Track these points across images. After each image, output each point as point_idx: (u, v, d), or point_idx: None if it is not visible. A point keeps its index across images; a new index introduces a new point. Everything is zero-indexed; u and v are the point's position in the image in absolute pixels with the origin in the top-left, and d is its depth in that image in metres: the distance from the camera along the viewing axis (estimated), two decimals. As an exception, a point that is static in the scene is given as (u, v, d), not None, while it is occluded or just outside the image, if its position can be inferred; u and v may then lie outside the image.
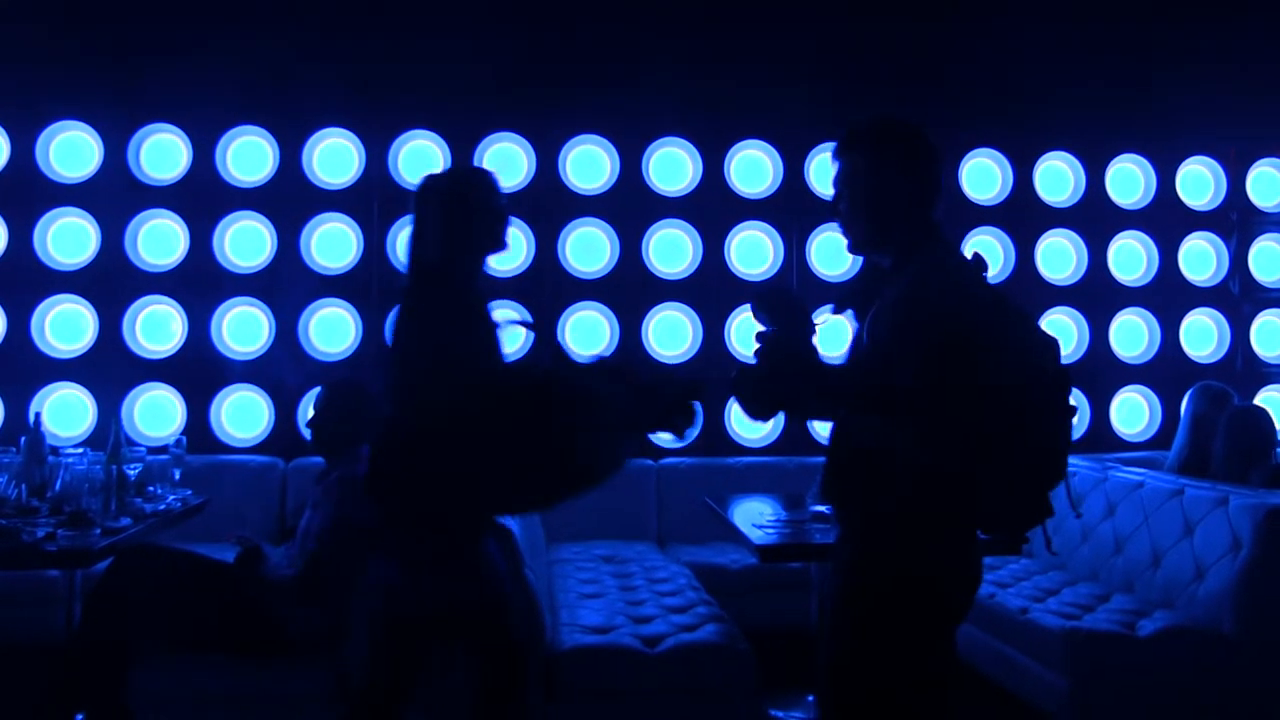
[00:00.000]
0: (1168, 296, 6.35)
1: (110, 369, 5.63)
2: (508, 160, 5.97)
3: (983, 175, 6.30)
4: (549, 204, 5.92)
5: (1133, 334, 6.36)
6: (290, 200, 5.81)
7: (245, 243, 5.80)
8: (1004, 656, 4.19)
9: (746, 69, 6.06)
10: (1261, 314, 6.44)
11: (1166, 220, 6.40)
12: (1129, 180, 6.44)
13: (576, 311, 5.89)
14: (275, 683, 3.51)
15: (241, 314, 5.78)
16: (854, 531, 2.47)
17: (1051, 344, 2.39)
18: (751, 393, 2.39)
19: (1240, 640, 3.75)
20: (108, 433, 4.12)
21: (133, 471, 3.99)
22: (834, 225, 5.83)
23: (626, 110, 6.02)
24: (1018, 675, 4.08)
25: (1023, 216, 6.26)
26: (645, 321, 5.93)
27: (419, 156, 5.94)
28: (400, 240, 5.84)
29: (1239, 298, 6.43)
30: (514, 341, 2.38)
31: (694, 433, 3.00)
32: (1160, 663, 3.75)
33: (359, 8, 5.93)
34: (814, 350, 2.44)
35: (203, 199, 5.76)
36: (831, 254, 6.13)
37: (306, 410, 5.44)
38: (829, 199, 2.60)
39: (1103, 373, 6.26)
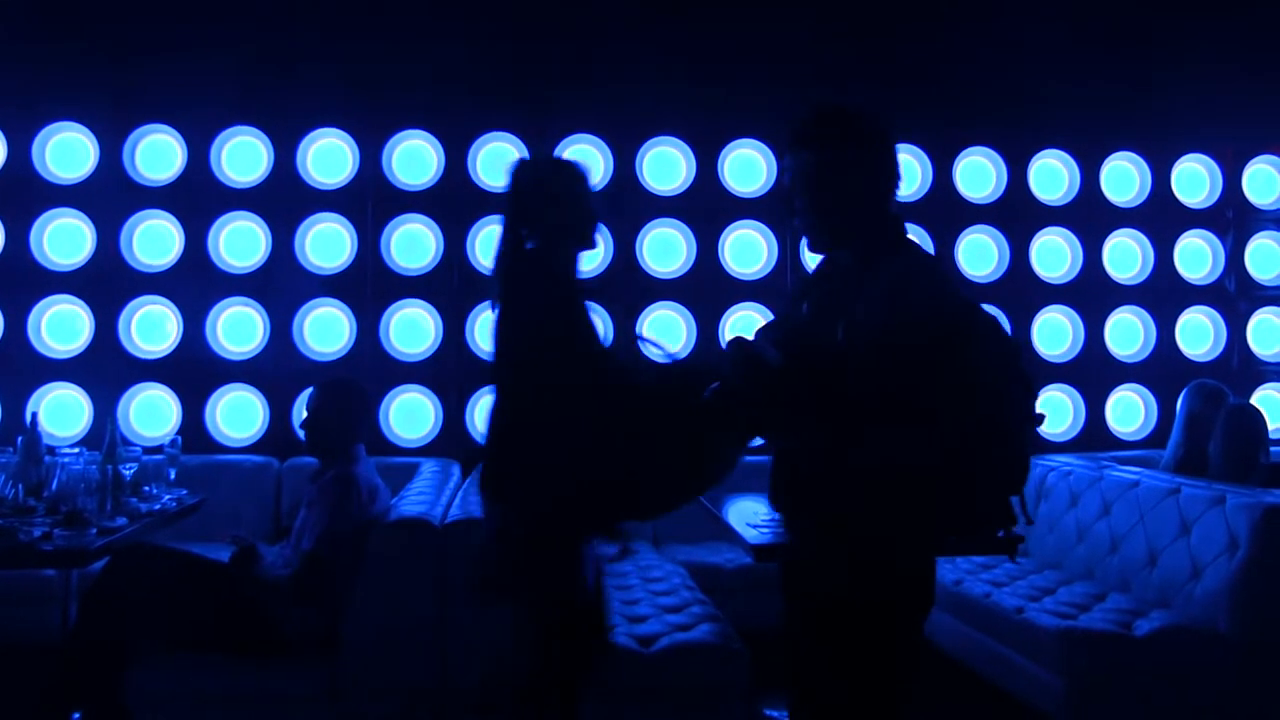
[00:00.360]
0: (1163, 295, 6.35)
1: (106, 369, 5.62)
2: (501, 160, 5.95)
3: (977, 173, 6.31)
4: (544, 203, 5.90)
5: (1128, 332, 6.36)
6: (285, 200, 5.80)
7: (240, 243, 5.80)
8: (999, 656, 4.19)
9: (740, 68, 6.06)
10: (1258, 312, 6.45)
11: (1162, 218, 6.40)
12: (1124, 178, 6.44)
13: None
14: (271, 682, 3.51)
15: (236, 314, 5.77)
16: (810, 540, 2.42)
17: (1017, 348, 2.35)
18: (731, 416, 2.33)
19: (1237, 640, 3.74)
20: (104, 432, 4.11)
21: (128, 471, 3.99)
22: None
23: (620, 109, 6.02)
24: (1013, 675, 4.08)
25: (1017, 215, 6.27)
26: (639, 321, 5.93)
27: (413, 156, 5.94)
28: (396, 240, 5.84)
29: (1235, 296, 6.44)
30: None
31: None
32: (1157, 662, 3.75)
33: (353, 8, 5.93)
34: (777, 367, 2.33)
35: (198, 199, 5.75)
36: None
37: (300, 410, 5.45)
38: (795, 199, 2.49)
39: (1098, 371, 6.27)
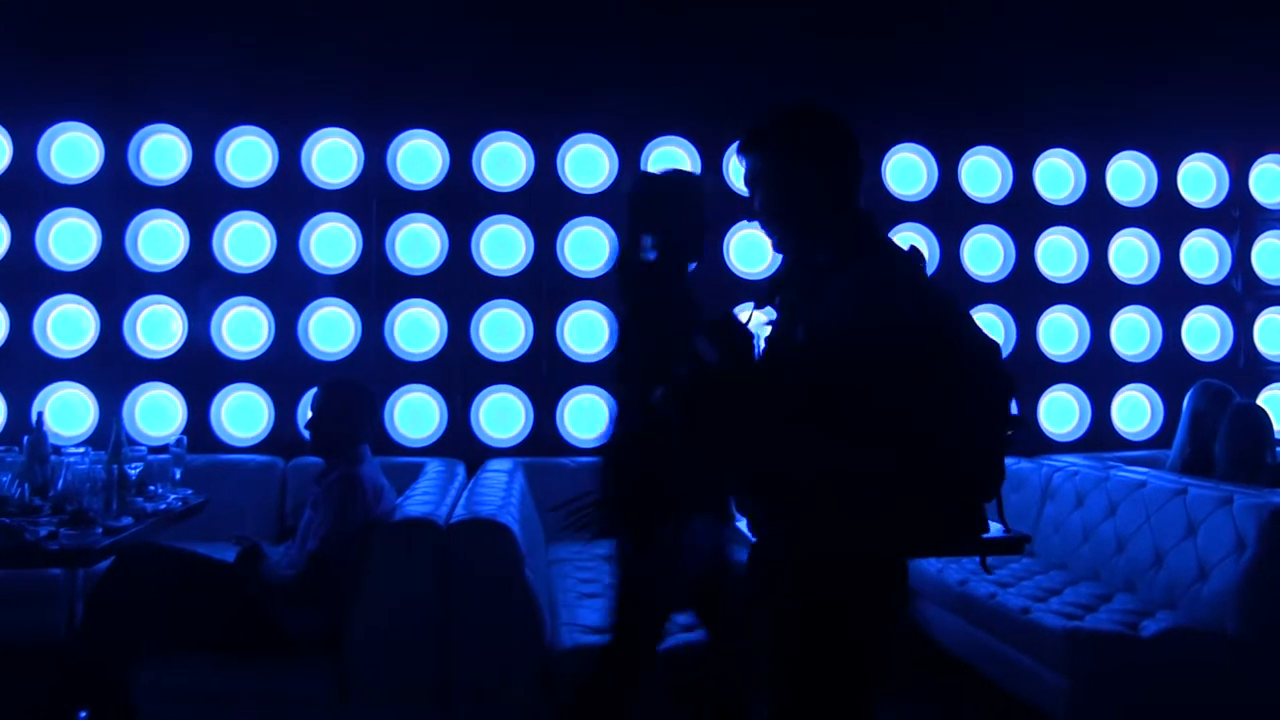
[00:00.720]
0: (1169, 294, 6.34)
1: (111, 368, 5.63)
2: (506, 160, 5.96)
3: (982, 173, 6.29)
4: (547, 203, 5.91)
5: (1134, 332, 6.35)
6: (289, 200, 5.80)
7: (245, 243, 5.80)
8: (1005, 657, 4.18)
9: (744, 67, 6.04)
10: (1264, 312, 6.43)
11: (1168, 218, 6.38)
12: (1130, 177, 6.43)
13: (575, 311, 5.88)
14: (276, 682, 3.52)
15: (241, 314, 5.78)
16: (777, 544, 2.38)
17: (995, 348, 2.28)
18: (702, 410, 2.25)
19: (1244, 641, 3.74)
20: (109, 432, 4.13)
21: (134, 471, 4.00)
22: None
23: (625, 109, 6.01)
24: (1019, 676, 4.07)
25: (1023, 214, 6.25)
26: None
27: (418, 156, 5.94)
28: (400, 240, 5.84)
29: (1241, 296, 6.42)
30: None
31: None
32: (1163, 663, 3.75)
33: (357, 8, 5.93)
34: (758, 377, 2.29)
35: (202, 199, 5.75)
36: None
37: (305, 410, 5.45)
38: (754, 199, 2.43)
39: (1104, 371, 6.25)
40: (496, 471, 4.86)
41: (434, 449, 5.75)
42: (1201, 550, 4.03)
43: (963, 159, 6.25)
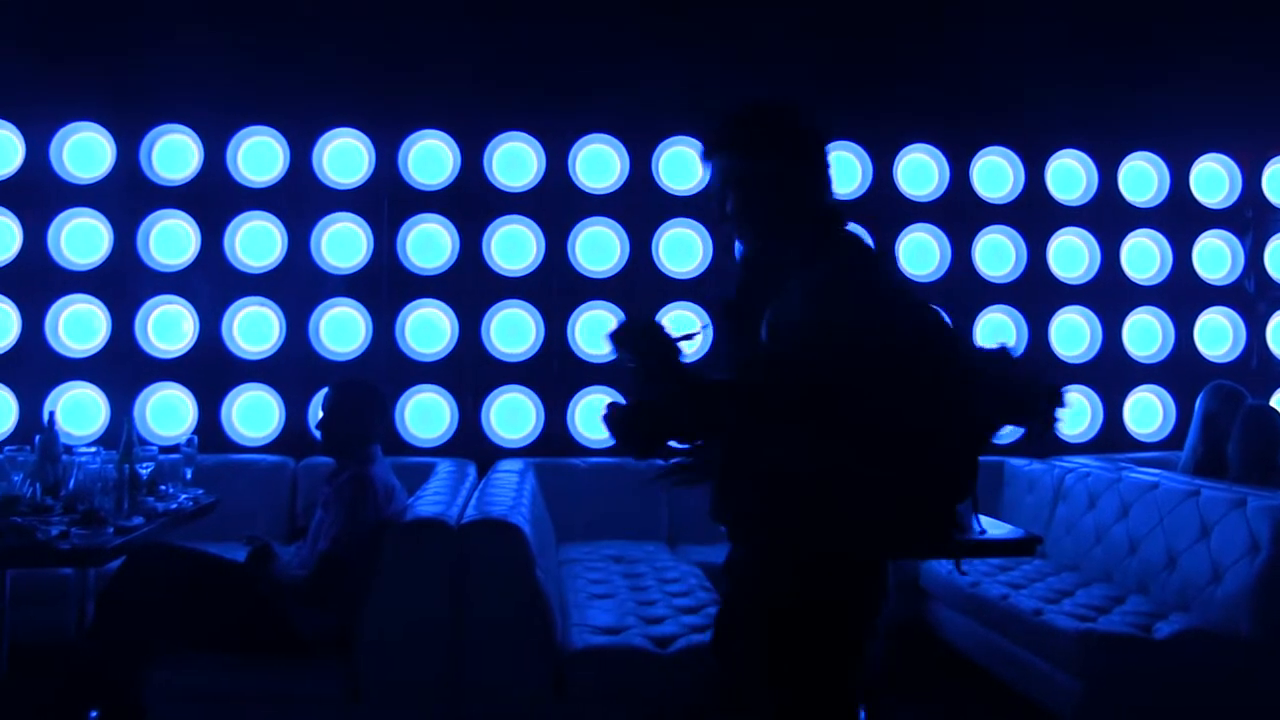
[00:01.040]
0: (1182, 295, 6.31)
1: (123, 368, 5.64)
2: (517, 160, 5.96)
3: (994, 173, 6.27)
4: (559, 204, 5.91)
5: (1146, 333, 6.32)
6: (301, 200, 5.81)
7: (256, 243, 5.81)
8: (1017, 659, 4.17)
9: (756, 68, 6.03)
10: (1277, 313, 6.39)
11: (1180, 218, 6.36)
12: (1142, 178, 6.40)
13: (586, 311, 5.87)
14: (287, 682, 3.51)
15: (252, 314, 5.78)
16: (752, 551, 2.37)
17: (958, 347, 2.28)
18: (631, 430, 2.26)
19: (1258, 643, 3.72)
20: (120, 432, 4.13)
21: (145, 470, 4.00)
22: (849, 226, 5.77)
23: (636, 109, 6.00)
24: (1030, 678, 4.06)
25: (1035, 215, 6.23)
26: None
27: (429, 156, 5.94)
28: (412, 240, 5.85)
29: (1254, 296, 6.39)
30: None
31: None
32: (1177, 666, 3.73)
33: (369, 9, 5.93)
34: (687, 370, 2.29)
35: (213, 199, 5.76)
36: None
37: (316, 410, 5.45)
38: (721, 203, 2.42)
39: (1116, 372, 6.23)
40: (507, 472, 4.86)
41: (445, 449, 5.75)
42: (1215, 552, 4.01)
43: (974, 160, 6.23)
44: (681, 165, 6.06)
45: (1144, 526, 4.45)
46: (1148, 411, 6.29)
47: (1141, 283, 6.28)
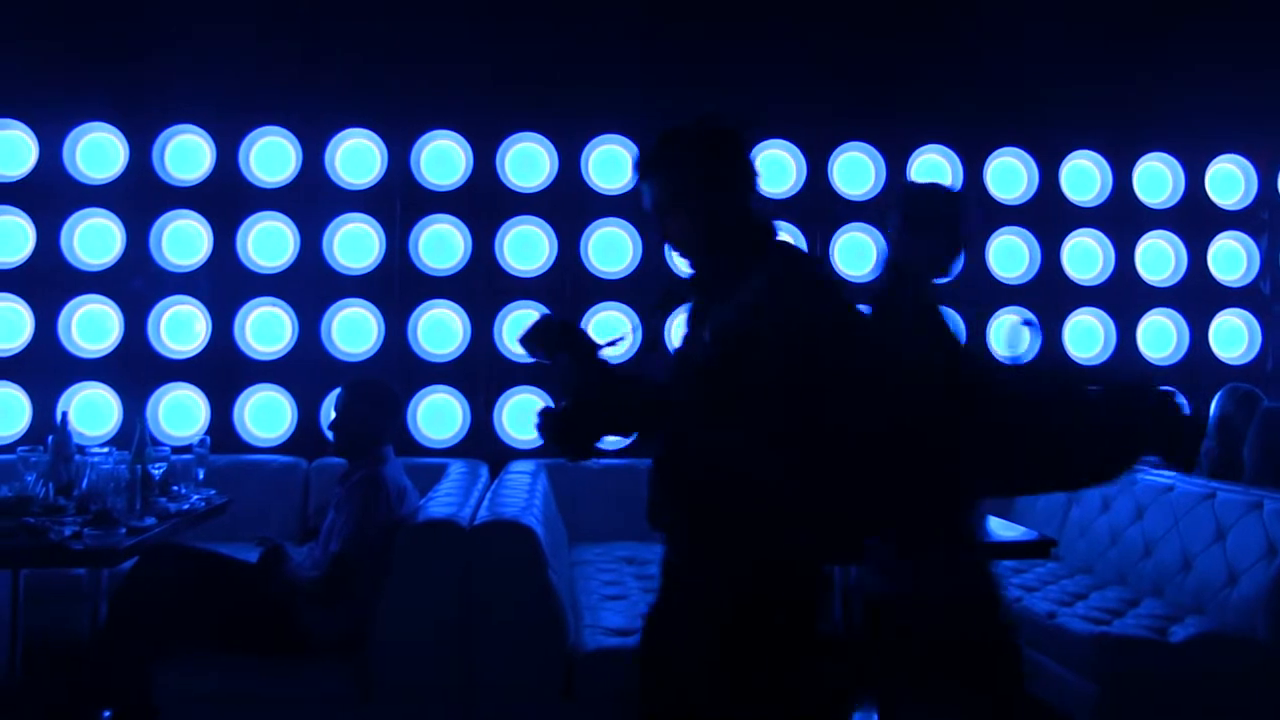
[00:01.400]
0: (1197, 297, 6.27)
1: (135, 369, 5.65)
2: (529, 160, 5.96)
3: (1008, 175, 6.25)
4: (571, 204, 5.91)
5: (1161, 335, 6.29)
6: (313, 201, 5.82)
7: (268, 243, 5.81)
8: (1031, 661, 4.14)
9: (768, 68, 6.02)
10: (1293, 314, 6.37)
11: (1195, 220, 6.32)
12: (1157, 179, 6.37)
13: (598, 312, 5.87)
14: (299, 683, 3.51)
15: (264, 314, 5.79)
16: (693, 557, 2.38)
17: (894, 348, 2.40)
18: (562, 433, 2.32)
19: (1276, 646, 3.70)
20: (133, 432, 4.13)
21: (157, 471, 4.00)
22: (859, 225, 5.79)
23: (648, 111, 5.97)
24: (1045, 681, 4.03)
25: (1049, 216, 6.21)
26: (667, 322, 5.90)
27: (441, 157, 5.94)
28: (424, 241, 5.85)
29: (1269, 298, 6.35)
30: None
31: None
32: (1192, 669, 3.71)
33: (381, 9, 5.93)
34: (607, 368, 2.37)
35: (226, 200, 5.77)
36: (856, 254, 6.10)
37: (328, 411, 5.46)
38: (656, 220, 2.51)
39: (1131, 375, 6.19)
40: (520, 473, 4.86)
41: (457, 450, 5.75)
42: (1230, 555, 3.99)
43: (988, 161, 6.21)
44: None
45: (1159, 529, 4.43)
46: (1163, 414, 6.24)
47: (1156, 284, 6.25)
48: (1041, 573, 4.75)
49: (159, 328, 5.72)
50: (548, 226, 5.88)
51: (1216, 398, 4.96)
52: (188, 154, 5.84)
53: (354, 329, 5.83)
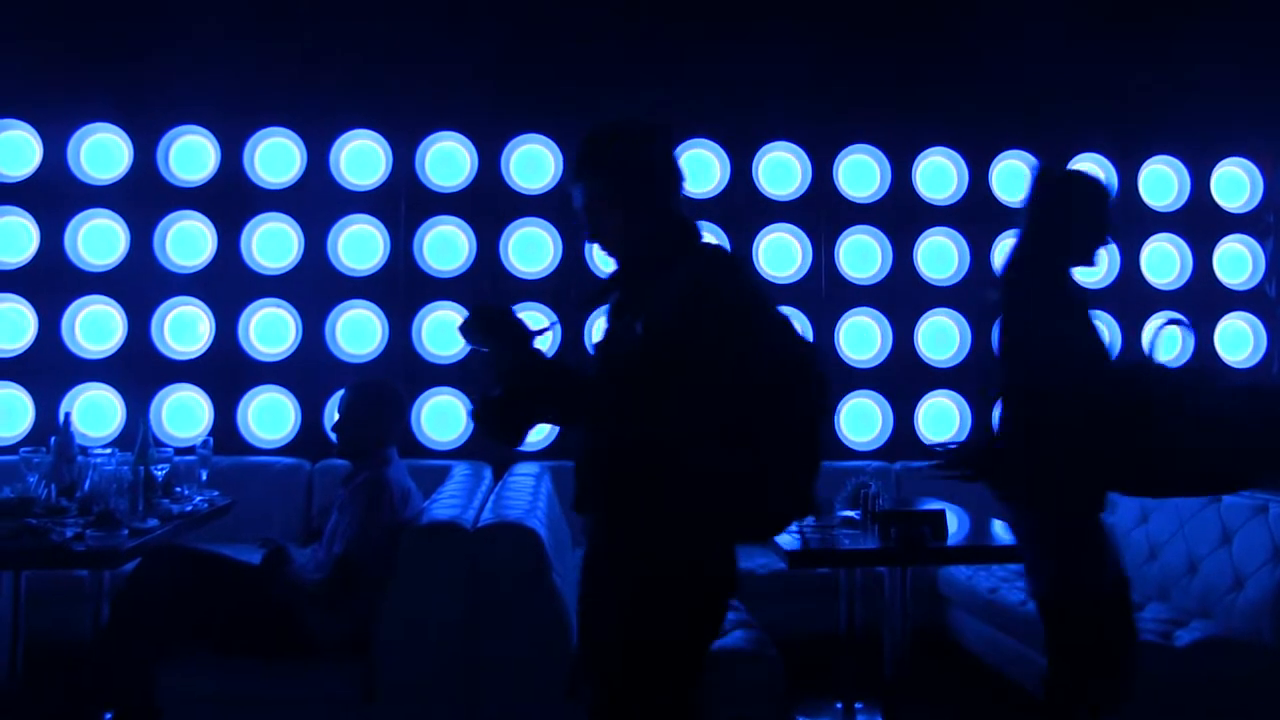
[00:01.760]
0: (1202, 300, 6.26)
1: (139, 370, 5.65)
2: (534, 161, 5.95)
3: (1013, 177, 6.23)
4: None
5: (1166, 339, 6.23)
6: (317, 202, 5.81)
7: (273, 244, 5.81)
8: (1038, 665, 4.12)
9: (773, 70, 6.02)
10: (1299, 318, 6.35)
11: (1201, 223, 6.31)
12: (1162, 182, 6.36)
13: (603, 314, 5.84)
14: (302, 685, 3.50)
15: (268, 315, 5.79)
16: (612, 538, 2.46)
17: (807, 343, 2.46)
18: (498, 421, 2.39)
19: (1282, 651, 3.68)
20: (136, 433, 4.13)
21: (160, 472, 4.00)
22: (863, 227, 5.77)
23: (654, 113, 5.97)
24: (1051, 684, 4.01)
25: (1055, 219, 6.18)
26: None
27: (446, 158, 5.93)
28: (429, 242, 5.84)
29: (1275, 301, 6.34)
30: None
31: None
32: (1198, 674, 3.69)
33: (385, 10, 5.93)
34: (542, 356, 2.43)
35: (230, 201, 5.77)
36: (861, 256, 6.09)
37: (332, 412, 5.45)
38: (585, 226, 2.59)
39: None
40: (523, 475, 4.84)
41: (461, 452, 5.74)
42: (1236, 559, 3.98)
43: (993, 163, 6.20)
44: (700, 169, 6.04)
45: (1164, 533, 4.41)
46: (1168, 417, 6.22)
47: (1162, 288, 6.23)
48: (1047, 576, 4.73)
49: (162, 329, 5.71)
50: (552, 228, 5.87)
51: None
52: (192, 155, 5.84)
53: (358, 330, 5.82)
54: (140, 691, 3.47)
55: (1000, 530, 3.96)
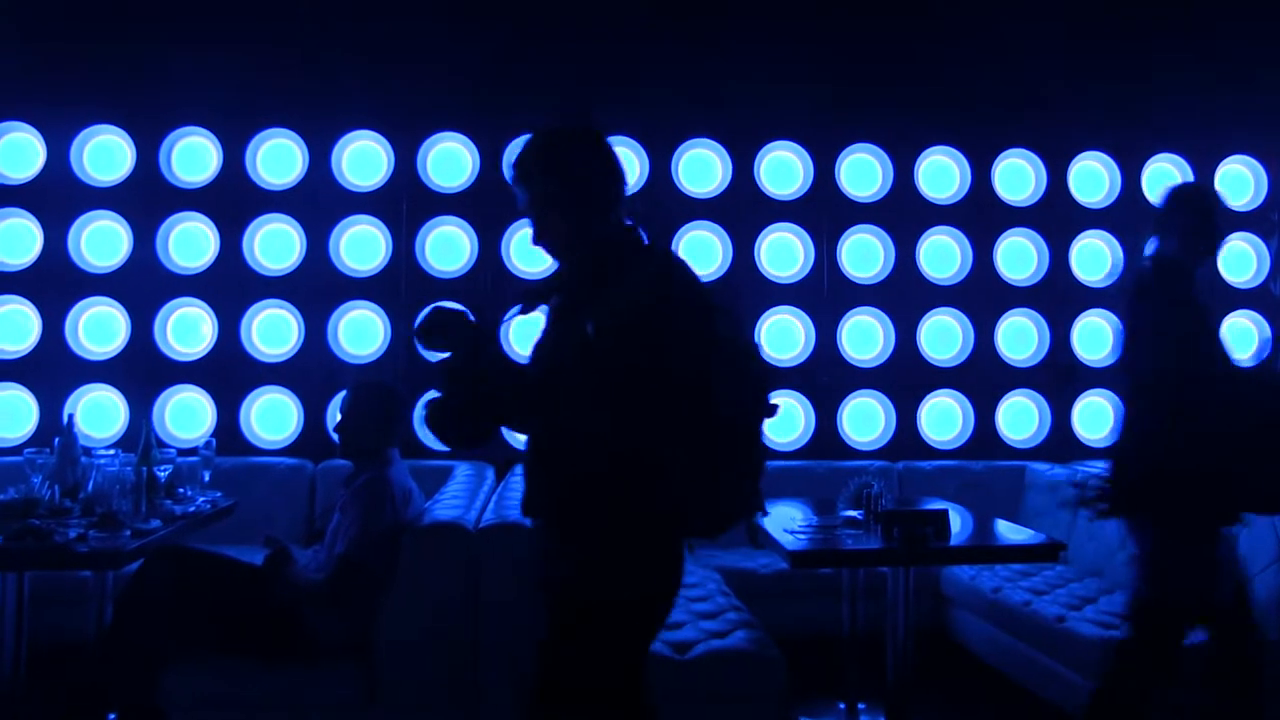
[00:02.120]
0: (1207, 299, 6.21)
1: (142, 371, 5.65)
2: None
3: (1016, 176, 6.23)
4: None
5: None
6: (319, 203, 5.81)
7: (275, 245, 5.81)
8: (1039, 665, 4.13)
9: (777, 68, 6.02)
10: (1303, 316, 6.33)
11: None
12: (1165, 180, 6.32)
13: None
14: (305, 686, 3.50)
15: (271, 316, 5.79)
16: (561, 543, 2.49)
17: (753, 345, 2.51)
18: (453, 423, 2.43)
19: (1285, 650, 3.66)
20: (139, 434, 4.13)
21: (163, 473, 4.00)
22: (865, 227, 5.77)
23: (656, 112, 5.99)
24: (1054, 685, 4.02)
25: (1056, 218, 6.18)
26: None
27: (448, 159, 5.93)
28: (430, 242, 5.84)
29: (1279, 300, 6.32)
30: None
31: None
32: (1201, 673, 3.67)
33: (387, 10, 5.93)
34: (499, 358, 2.46)
35: (233, 202, 5.77)
36: (863, 255, 6.08)
37: (334, 413, 5.45)
38: (530, 225, 2.61)
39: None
40: (525, 475, 4.83)
41: (463, 453, 5.73)
42: (1242, 558, 3.95)
43: (996, 162, 6.19)
44: (702, 167, 6.04)
45: (1169, 532, 4.39)
46: (1171, 416, 6.21)
47: (1165, 286, 6.21)
48: (1050, 576, 4.73)
49: (165, 329, 5.72)
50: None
51: None
52: (194, 156, 5.85)
53: (360, 331, 5.82)
54: (143, 692, 3.47)
55: (1004, 530, 3.96)
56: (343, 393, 3.98)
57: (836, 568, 4.47)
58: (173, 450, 4.24)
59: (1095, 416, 6.15)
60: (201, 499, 4.18)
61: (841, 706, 4.36)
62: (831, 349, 5.98)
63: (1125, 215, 6.21)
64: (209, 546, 3.81)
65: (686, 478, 2.34)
